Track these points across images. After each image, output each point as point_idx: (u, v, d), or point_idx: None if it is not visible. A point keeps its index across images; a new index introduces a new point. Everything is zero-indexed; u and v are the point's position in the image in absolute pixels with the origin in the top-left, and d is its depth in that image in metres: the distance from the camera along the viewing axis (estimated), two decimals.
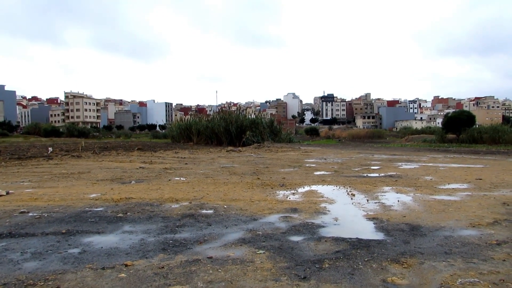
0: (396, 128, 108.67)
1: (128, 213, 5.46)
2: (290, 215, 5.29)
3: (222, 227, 4.70)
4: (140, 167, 12.40)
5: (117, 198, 6.48)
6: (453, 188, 7.65)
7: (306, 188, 7.76)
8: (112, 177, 9.93)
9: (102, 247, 3.95)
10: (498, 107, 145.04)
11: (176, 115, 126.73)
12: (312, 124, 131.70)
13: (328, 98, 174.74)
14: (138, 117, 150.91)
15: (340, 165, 13.12)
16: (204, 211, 5.57)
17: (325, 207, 5.86)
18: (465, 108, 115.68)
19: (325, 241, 4.08)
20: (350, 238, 4.15)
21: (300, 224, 4.82)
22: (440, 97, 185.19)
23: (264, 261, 3.46)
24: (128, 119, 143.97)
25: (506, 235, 4.28)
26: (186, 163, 13.96)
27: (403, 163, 13.71)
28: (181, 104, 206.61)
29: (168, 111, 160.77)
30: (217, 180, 8.99)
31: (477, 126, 52.36)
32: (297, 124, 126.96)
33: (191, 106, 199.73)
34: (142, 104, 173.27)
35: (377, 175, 10.14)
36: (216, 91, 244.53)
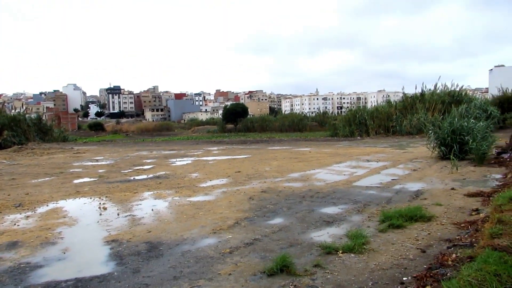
0: (184, 120, 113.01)
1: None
2: (2, 256, 4.02)
3: None
4: None
5: None
6: (212, 186, 7.82)
7: (50, 206, 6.42)
8: None
9: None
10: (265, 99, 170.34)
11: None
12: (98, 118, 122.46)
13: (115, 90, 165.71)
14: None
15: (110, 167, 11.99)
16: None
17: (59, 233, 4.81)
18: (241, 101, 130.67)
19: None
20: (67, 281, 3.31)
21: (9, 268, 3.65)
22: (221, 91, 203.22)
23: None
24: None
25: (241, 238, 4.33)
26: None
27: (177, 160, 13.71)
28: None
29: None
30: None
31: (250, 116, 59.86)
32: (80, 119, 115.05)
33: None
34: None
35: (145, 177, 9.59)
36: None
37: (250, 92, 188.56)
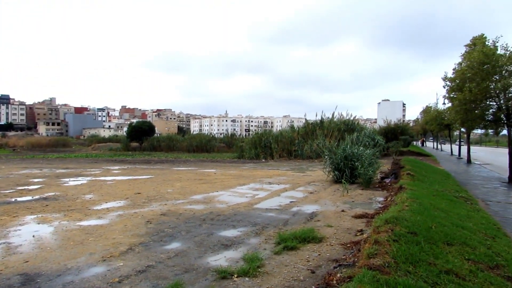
0: (84, 136, 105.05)
1: None
2: None
3: None
4: None
5: None
6: (107, 208, 7.31)
7: None
8: None
9: None
10: (174, 118, 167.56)
11: None
12: None
13: (3, 100, 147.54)
14: None
15: None
16: None
17: None
18: (148, 119, 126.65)
19: None
20: None
21: None
22: (127, 107, 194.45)
23: None
24: None
25: (132, 265, 4.09)
26: None
27: (71, 179, 12.59)
28: None
29: None
30: None
31: (157, 135, 58.02)
32: None
33: None
34: None
35: (30, 198, 8.58)
36: None
37: (158, 110, 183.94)
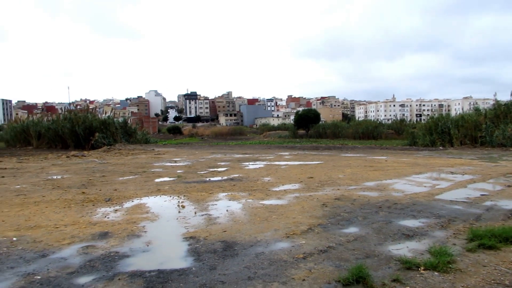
0: (256, 125, 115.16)
1: None
2: (95, 244, 4.43)
3: None
4: None
5: None
6: (284, 190, 7.83)
7: (135, 202, 6.93)
8: None
9: None
10: (338, 105, 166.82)
11: (17, 113, 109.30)
12: (176, 122, 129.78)
13: (192, 96, 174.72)
14: None
15: (188, 168, 12.62)
16: None
17: (143, 227, 5.17)
18: (313, 107, 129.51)
19: (119, 279, 3.38)
20: (150, 272, 3.54)
21: (101, 256, 4.01)
22: (293, 96, 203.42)
23: None
24: None
25: (314, 244, 4.27)
26: (3, 176, 11.52)
27: (250, 163, 13.98)
28: (24, 101, 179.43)
29: (7, 109, 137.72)
30: (29, 199, 7.43)
31: (322, 122, 59.02)
32: (160, 123, 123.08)
33: (36, 103, 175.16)
34: None
35: (219, 178, 9.92)
36: (68, 87, 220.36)
37: (322, 98, 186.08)
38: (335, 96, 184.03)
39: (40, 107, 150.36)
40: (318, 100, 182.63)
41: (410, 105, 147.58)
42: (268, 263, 3.70)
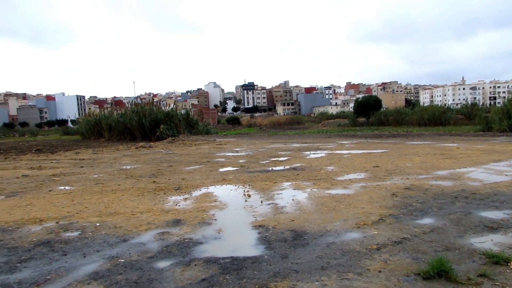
0: (314, 114, 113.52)
1: None
2: (169, 230, 4.65)
3: (79, 257, 3.90)
4: (23, 175, 10.76)
5: None
6: (350, 179, 7.63)
7: (203, 191, 7.17)
8: None
9: None
10: (401, 91, 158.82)
11: (89, 108, 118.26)
12: (234, 113, 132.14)
13: (249, 87, 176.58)
14: (45, 112, 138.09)
15: (249, 158, 12.79)
16: (67, 234, 4.68)
17: (213, 215, 5.32)
18: (373, 93, 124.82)
19: (195, 265, 3.52)
20: (224, 258, 3.64)
21: (176, 242, 4.21)
22: (352, 83, 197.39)
23: None
24: (34, 115, 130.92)
25: (387, 235, 4.11)
26: (82, 166, 12.53)
27: (311, 152, 13.83)
28: (95, 97, 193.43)
29: (81, 104, 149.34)
30: (106, 187, 8.00)
31: (384, 109, 56.59)
32: (219, 114, 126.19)
33: (106, 98, 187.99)
34: (50, 97, 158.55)
35: (282, 168, 9.93)
36: (134, 82, 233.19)
37: (383, 83, 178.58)
38: (397, 81, 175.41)
39: (110, 101, 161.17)
40: (378, 86, 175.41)
41: (483, 88, 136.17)
42: (341, 254, 3.63)
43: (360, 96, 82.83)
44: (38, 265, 3.72)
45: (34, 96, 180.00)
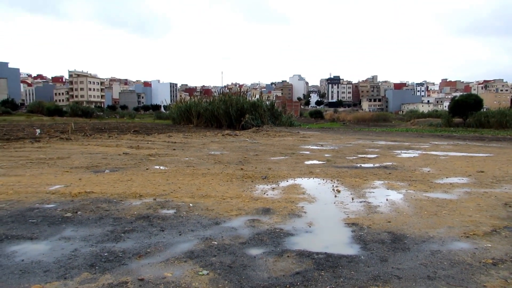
0: (403, 112, 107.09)
1: (79, 212, 4.85)
2: (259, 218, 4.65)
3: (176, 234, 4.07)
4: (124, 153, 11.79)
5: (75, 193, 5.87)
6: (450, 183, 6.94)
7: (290, 182, 7.10)
8: (88, 164, 9.33)
9: (22, 260, 3.35)
10: (507, 90, 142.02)
11: (180, 96, 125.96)
12: (318, 107, 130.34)
13: (334, 80, 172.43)
14: (142, 98, 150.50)
15: (335, 153, 12.41)
16: (164, 211, 4.94)
17: (302, 207, 5.21)
18: (473, 91, 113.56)
19: (288, 256, 3.44)
20: (318, 253, 3.50)
21: (267, 230, 4.17)
22: (448, 80, 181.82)
23: (203, 287, 2.83)
24: (133, 99, 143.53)
25: (504, 250, 3.60)
26: (174, 149, 13.33)
27: (402, 151, 12.97)
28: (186, 85, 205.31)
29: (173, 91, 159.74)
30: (197, 170, 8.35)
31: (484, 110, 51.11)
32: (302, 107, 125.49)
33: (196, 87, 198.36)
34: (147, 84, 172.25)
35: (371, 165, 9.44)
36: (222, 72, 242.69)
37: (485, 81, 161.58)
38: (502, 79, 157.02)
39: (199, 90, 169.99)
40: (479, 84, 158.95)
41: None
42: (449, 264, 3.26)
43: (457, 94, 75.74)
44: (139, 238, 3.97)
45: (134, 82, 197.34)
